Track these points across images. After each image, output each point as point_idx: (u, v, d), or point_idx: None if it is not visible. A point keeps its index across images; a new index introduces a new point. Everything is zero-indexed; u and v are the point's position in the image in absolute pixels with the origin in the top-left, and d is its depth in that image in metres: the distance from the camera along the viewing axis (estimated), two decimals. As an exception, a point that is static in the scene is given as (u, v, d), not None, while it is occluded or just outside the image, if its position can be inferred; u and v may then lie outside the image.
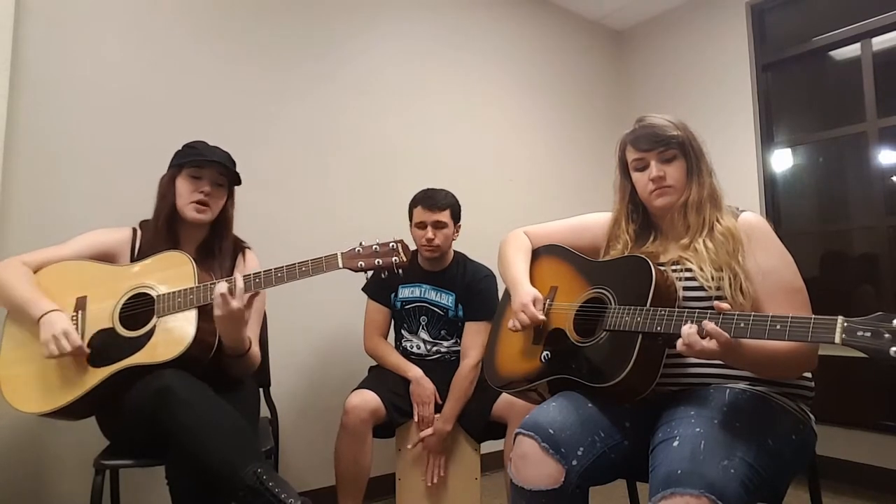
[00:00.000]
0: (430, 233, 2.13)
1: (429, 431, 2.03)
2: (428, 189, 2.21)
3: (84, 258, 1.62)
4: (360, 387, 2.07)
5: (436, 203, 2.15)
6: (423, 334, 2.25)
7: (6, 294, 1.52)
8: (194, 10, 2.31)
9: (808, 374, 1.31)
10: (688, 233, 1.39)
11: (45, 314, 1.46)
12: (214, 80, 2.33)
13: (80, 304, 1.55)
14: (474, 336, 2.13)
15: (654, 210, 1.45)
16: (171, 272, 1.57)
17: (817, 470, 1.37)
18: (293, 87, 2.53)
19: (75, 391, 1.45)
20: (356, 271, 1.53)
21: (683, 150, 1.39)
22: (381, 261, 1.53)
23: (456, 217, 2.22)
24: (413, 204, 2.21)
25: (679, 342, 1.13)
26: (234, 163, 1.75)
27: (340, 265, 1.52)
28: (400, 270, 1.54)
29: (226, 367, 1.64)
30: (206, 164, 1.66)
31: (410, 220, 2.22)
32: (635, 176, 1.44)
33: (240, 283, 1.49)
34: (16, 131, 1.92)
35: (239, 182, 1.74)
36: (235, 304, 1.48)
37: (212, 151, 1.70)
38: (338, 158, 2.63)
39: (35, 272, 1.57)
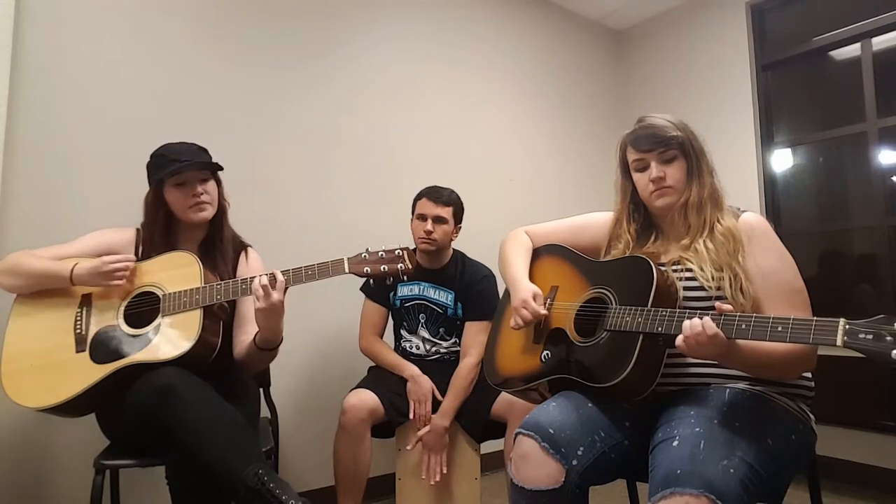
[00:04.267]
0: (429, 225, 2.14)
1: (426, 429, 2.02)
2: (435, 185, 2.24)
3: (90, 256, 1.62)
4: (359, 386, 2.07)
5: (440, 197, 2.17)
6: (423, 332, 2.25)
7: (26, 270, 1.54)
8: (194, 10, 2.31)
9: (808, 374, 1.31)
10: (688, 233, 1.39)
11: (74, 266, 1.52)
12: (214, 80, 2.33)
13: (86, 301, 1.55)
14: (475, 336, 2.13)
15: (655, 210, 1.45)
16: (177, 272, 1.58)
17: (817, 470, 1.37)
18: (293, 87, 2.53)
19: (77, 387, 1.46)
20: (362, 277, 1.54)
21: (684, 151, 1.39)
22: (386, 267, 1.53)
23: (458, 217, 2.23)
24: (417, 197, 2.24)
25: (678, 339, 1.13)
26: (206, 152, 1.71)
27: (347, 270, 1.53)
28: (405, 277, 1.55)
29: (246, 361, 1.66)
30: (185, 169, 1.64)
31: (413, 213, 2.23)
32: (636, 176, 1.44)
33: (280, 277, 1.51)
34: (16, 131, 1.92)
35: (220, 168, 1.71)
36: (276, 296, 1.49)
37: (182, 153, 1.65)
38: (337, 158, 2.63)
39: None
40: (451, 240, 2.24)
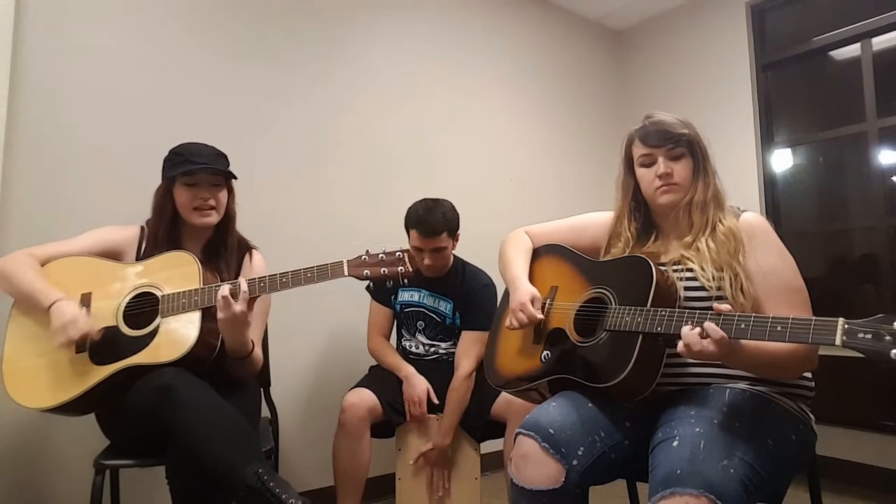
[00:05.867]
0: (427, 259, 2.07)
1: (429, 446, 2.04)
2: (422, 209, 2.08)
3: (91, 254, 1.61)
4: (358, 385, 2.07)
5: (433, 230, 2.03)
6: (421, 337, 2.25)
7: (14, 284, 1.52)
8: (195, 10, 2.31)
9: (808, 374, 1.31)
10: (691, 231, 1.38)
11: (55, 303, 1.47)
12: (215, 80, 2.33)
13: (85, 301, 1.55)
14: (469, 345, 2.10)
15: (657, 208, 1.45)
16: (176, 272, 1.57)
17: (817, 470, 1.37)
18: (293, 86, 2.53)
19: (77, 388, 1.45)
20: (361, 279, 1.53)
21: (691, 150, 1.39)
22: (386, 270, 1.52)
23: (453, 233, 2.13)
24: (408, 224, 2.10)
25: (679, 343, 1.13)
26: (225, 158, 1.71)
27: (346, 273, 1.52)
28: (405, 280, 1.54)
29: (228, 369, 1.64)
30: (198, 172, 1.64)
31: (408, 236, 2.14)
32: (641, 172, 1.44)
33: (244, 287, 1.49)
34: (16, 131, 1.92)
35: (234, 177, 1.72)
36: (238, 307, 1.47)
37: (200, 154, 1.65)
38: (338, 158, 2.63)
39: (41, 266, 1.57)
40: (452, 249, 2.19)
